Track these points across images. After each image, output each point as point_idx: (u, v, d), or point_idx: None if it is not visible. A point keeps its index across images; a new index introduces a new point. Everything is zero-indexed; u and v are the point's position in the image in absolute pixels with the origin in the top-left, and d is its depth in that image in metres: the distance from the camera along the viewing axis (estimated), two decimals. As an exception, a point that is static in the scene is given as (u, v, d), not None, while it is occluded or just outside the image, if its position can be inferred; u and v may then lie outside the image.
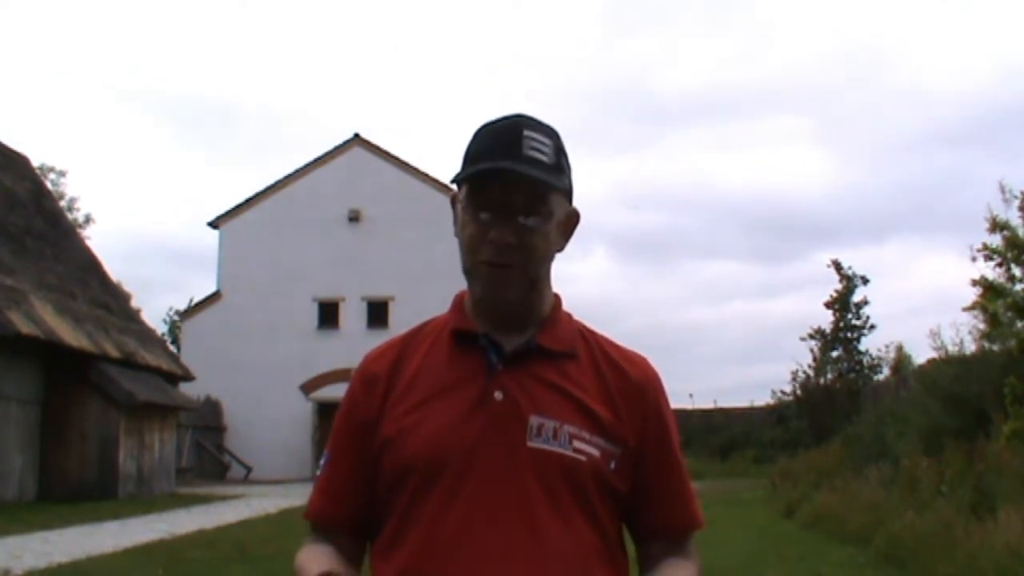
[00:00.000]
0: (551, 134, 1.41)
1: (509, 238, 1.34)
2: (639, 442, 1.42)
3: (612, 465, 1.39)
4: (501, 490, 1.32)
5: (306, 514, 1.49)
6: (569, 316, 1.51)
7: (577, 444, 1.36)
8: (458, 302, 1.49)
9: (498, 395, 1.37)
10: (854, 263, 30.79)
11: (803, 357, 39.59)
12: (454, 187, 1.45)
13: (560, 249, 1.45)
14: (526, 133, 1.37)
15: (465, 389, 1.39)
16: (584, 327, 1.52)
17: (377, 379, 1.45)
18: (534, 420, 1.36)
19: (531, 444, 1.35)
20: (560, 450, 1.35)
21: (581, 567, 1.33)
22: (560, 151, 1.41)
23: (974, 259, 11.64)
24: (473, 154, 1.39)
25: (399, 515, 1.37)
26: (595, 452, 1.37)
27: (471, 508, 1.31)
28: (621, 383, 1.44)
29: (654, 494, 1.44)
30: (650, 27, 61.42)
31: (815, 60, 60.95)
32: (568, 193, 1.43)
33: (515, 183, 1.34)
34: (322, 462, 1.51)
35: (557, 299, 1.50)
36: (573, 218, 1.47)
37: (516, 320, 1.43)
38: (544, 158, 1.37)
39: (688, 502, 1.48)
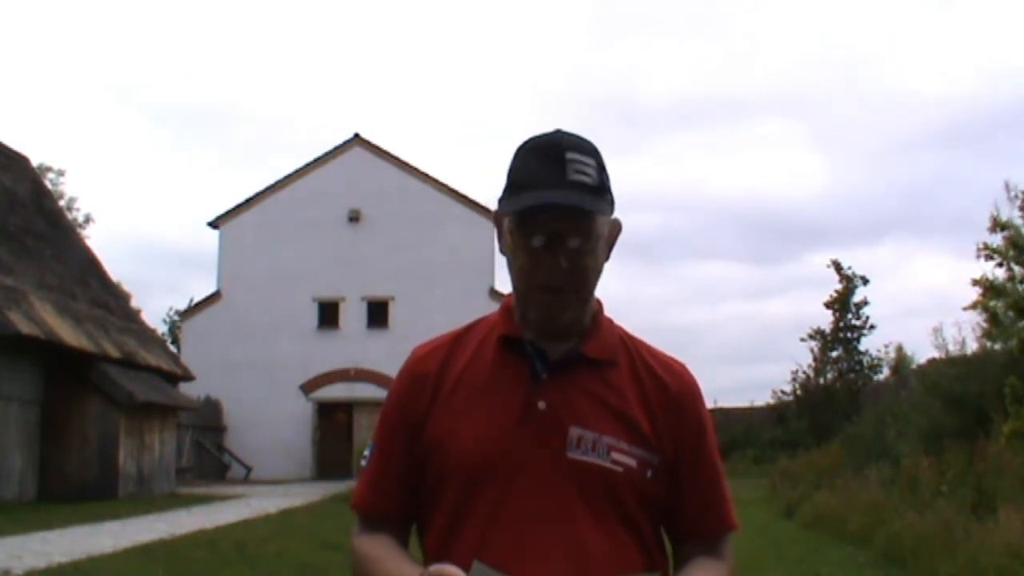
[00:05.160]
0: (592, 152, 1.41)
1: (562, 264, 1.37)
2: (676, 450, 1.46)
3: (649, 473, 1.42)
4: (543, 499, 1.37)
5: (353, 504, 1.54)
6: (610, 322, 1.53)
7: (615, 455, 1.40)
8: (506, 308, 1.52)
9: (541, 405, 1.41)
10: (849, 264, 30.76)
11: (803, 357, 39.69)
12: (496, 207, 1.46)
13: (606, 260, 1.47)
14: (569, 156, 1.38)
15: (510, 396, 1.43)
16: (625, 333, 1.54)
17: (426, 378, 1.49)
18: (574, 431, 1.40)
19: (570, 455, 1.39)
20: (598, 461, 1.39)
21: (623, 571, 1.37)
22: (602, 169, 1.41)
23: (977, 258, 11.65)
24: (518, 180, 1.40)
25: (448, 516, 1.42)
26: (632, 462, 1.41)
27: (516, 517, 1.36)
28: (660, 393, 1.47)
29: (690, 498, 1.48)
30: (643, 31, 61.42)
31: (807, 64, 60.98)
32: (612, 207, 1.44)
33: (562, 213, 1.36)
34: (367, 453, 1.55)
35: (599, 304, 1.53)
36: (616, 228, 1.49)
37: (563, 330, 1.46)
38: (588, 180, 1.37)
39: (723, 505, 1.52)
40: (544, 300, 1.41)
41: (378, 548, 1.46)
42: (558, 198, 1.34)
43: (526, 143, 1.43)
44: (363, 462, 1.56)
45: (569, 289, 1.40)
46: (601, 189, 1.39)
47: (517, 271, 1.42)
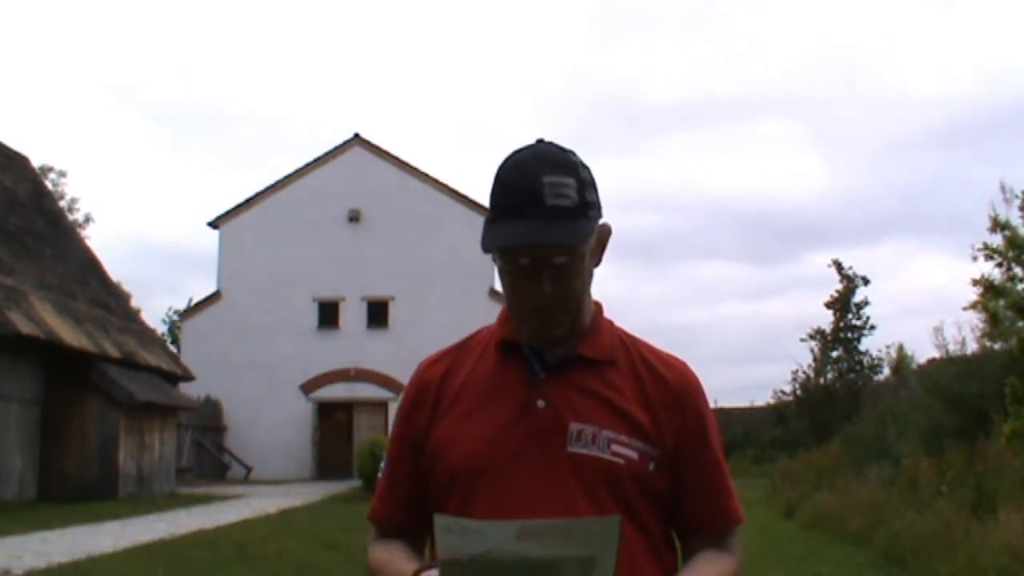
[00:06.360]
0: (571, 169, 1.40)
1: (546, 287, 1.39)
2: (677, 445, 1.46)
3: (651, 467, 1.43)
4: (545, 495, 1.38)
5: (368, 516, 1.60)
6: (610, 323, 1.55)
7: (615, 448, 1.41)
8: (504, 315, 1.54)
9: (540, 403, 1.43)
10: (850, 264, 30.78)
11: (803, 357, 39.72)
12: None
13: (596, 265, 1.48)
14: (546, 180, 1.37)
15: (509, 398, 1.45)
16: (625, 333, 1.56)
17: (428, 388, 1.53)
18: (574, 427, 1.41)
19: (571, 449, 1.40)
20: (598, 454, 1.41)
21: (627, 566, 1.36)
22: (583, 186, 1.40)
23: (975, 258, 11.64)
24: (498, 209, 1.40)
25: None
26: (633, 455, 1.42)
27: (518, 514, 1.36)
28: (659, 389, 1.48)
29: (693, 492, 1.49)
30: (643, 31, 61.39)
31: (807, 64, 60.96)
32: (597, 219, 1.44)
33: (541, 247, 1.37)
34: (382, 465, 1.61)
35: (598, 307, 1.55)
36: (605, 234, 1.48)
37: (557, 341, 1.48)
38: (567, 202, 1.37)
39: (727, 499, 1.53)
40: (534, 324, 1.44)
41: (386, 552, 1.51)
42: (534, 234, 1.35)
43: (506, 162, 1.42)
44: (380, 474, 1.61)
45: (556, 310, 1.42)
46: (583, 207, 1.39)
47: (506, 293, 1.45)
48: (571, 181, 1.39)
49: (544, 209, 1.35)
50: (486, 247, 1.40)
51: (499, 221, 1.39)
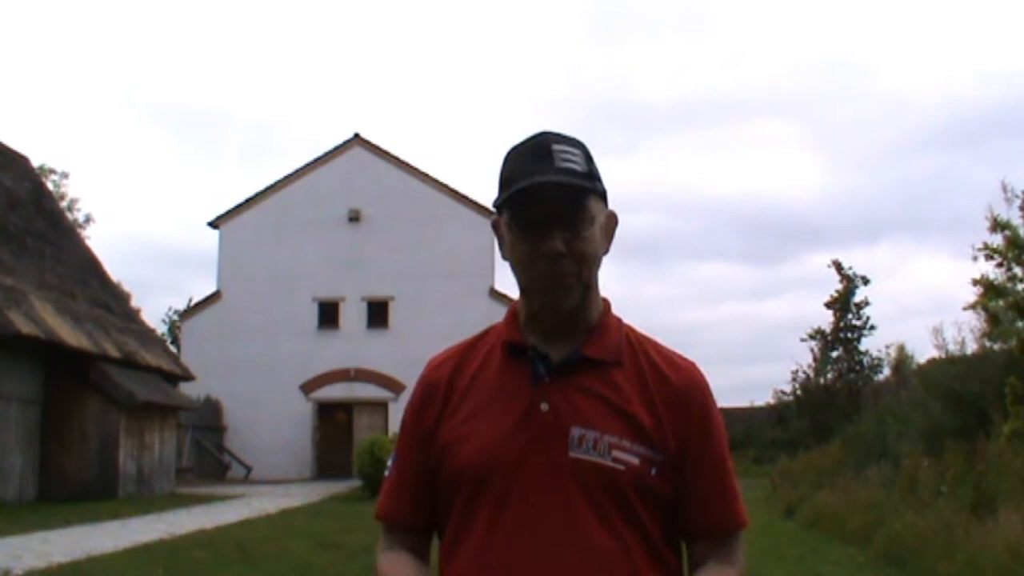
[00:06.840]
0: (578, 144, 1.46)
1: (559, 247, 1.39)
2: (681, 446, 1.46)
3: (653, 471, 1.43)
4: (546, 500, 1.39)
5: (376, 514, 1.61)
6: (618, 321, 1.55)
7: (616, 453, 1.41)
8: (511, 314, 1.55)
9: (544, 407, 1.43)
10: (849, 264, 30.81)
11: (803, 357, 39.72)
12: (494, 212, 1.50)
13: (605, 251, 1.50)
14: (555, 147, 1.42)
15: (513, 401, 1.45)
16: (633, 332, 1.55)
17: (436, 387, 1.54)
18: (576, 431, 1.41)
19: (572, 455, 1.41)
20: (600, 460, 1.40)
21: (630, 572, 1.38)
22: (589, 159, 1.46)
23: (975, 258, 11.63)
24: (508, 177, 1.43)
25: (456, 521, 1.45)
26: (635, 460, 1.41)
27: (519, 518, 1.38)
28: (664, 389, 1.48)
29: (697, 495, 1.47)
30: (642, 32, 61.37)
31: (806, 65, 60.97)
32: (604, 197, 1.48)
33: (554, 195, 1.39)
34: (389, 463, 1.62)
35: (606, 304, 1.54)
36: (612, 220, 1.52)
37: (567, 328, 1.48)
38: (576, 166, 1.42)
39: (732, 503, 1.51)
40: (547, 289, 1.43)
41: (396, 566, 1.51)
42: (547, 179, 1.38)
43: (512, 148, 1.47)
44: (387, 472, 1.62)
45: (571, 274, 1.42)
46: (590, 175, 1.44)
47: (518, 264, 1.45)
48: (578, 151, 1.44)
49: (554, 169, 1.40)
50: (498, 202, 1.44)
51: (508, 185, 1.42)
